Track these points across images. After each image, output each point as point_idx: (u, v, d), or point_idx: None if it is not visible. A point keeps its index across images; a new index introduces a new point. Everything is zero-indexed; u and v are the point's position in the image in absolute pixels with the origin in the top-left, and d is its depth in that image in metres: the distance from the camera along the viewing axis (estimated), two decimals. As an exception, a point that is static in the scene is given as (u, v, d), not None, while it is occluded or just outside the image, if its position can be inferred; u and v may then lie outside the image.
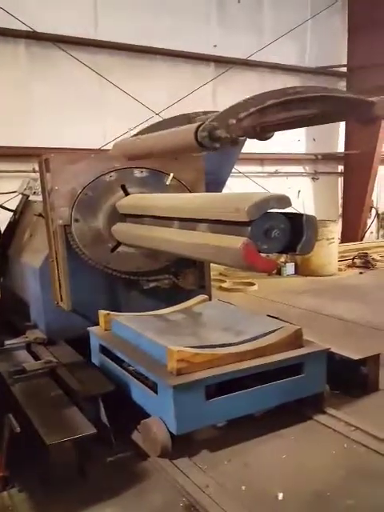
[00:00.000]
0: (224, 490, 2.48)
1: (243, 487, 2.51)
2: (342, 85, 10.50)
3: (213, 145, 2.31)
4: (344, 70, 10.42)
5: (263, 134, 3.80)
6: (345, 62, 10.39)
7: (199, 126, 2.30)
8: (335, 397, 3.31)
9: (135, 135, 3.22)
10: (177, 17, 8.25)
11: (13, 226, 4.50)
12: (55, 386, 2.98)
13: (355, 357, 3.37)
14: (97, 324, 3.49)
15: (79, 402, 2.78)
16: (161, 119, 7.71)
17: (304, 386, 3.06)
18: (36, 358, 3.43)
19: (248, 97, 2.48)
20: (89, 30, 7.59)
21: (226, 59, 8.80)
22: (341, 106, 2.89)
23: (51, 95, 7.35)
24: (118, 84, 7.63)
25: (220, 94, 8.72)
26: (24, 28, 6.95)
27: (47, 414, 2.64)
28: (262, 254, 2.44)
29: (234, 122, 2.37)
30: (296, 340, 3.08)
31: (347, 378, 3.42)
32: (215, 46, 8.74)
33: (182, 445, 2.78)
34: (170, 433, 2.70)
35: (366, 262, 8.23)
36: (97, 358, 3.43)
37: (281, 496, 2.42)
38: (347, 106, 2.91)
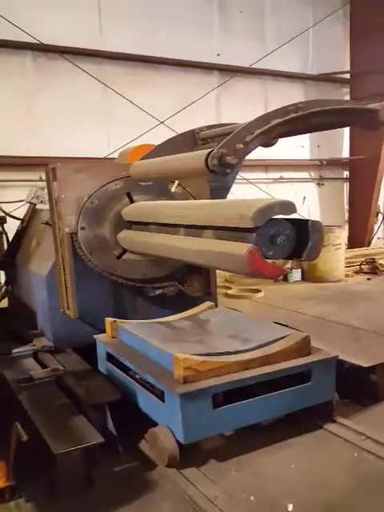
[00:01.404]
0: (233, 500, 2.44)
1: (252, 498, 2.47)
2: (344, 91, 10.52)
3: (224, 171, 2.43)
4: (347, 76, 10.43)
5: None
6: (347, 69, 10.41)
7: (209, 154, 2.41)
8: (345, 405, 3.27)
9: (144, 157, 3.32)
10: (180, 26, 8.32)
11: (20, 234, 4.53)
12: (62, 394, 2.97)
13: (364, 364, 3.33)
14: (103, 331, 3.48)
15: (86, 411, 2.77)
16: (163, 126, 7.79)
17: (312, 394, 3.03)
18: (43, 365, 3.42)
19: (251, 120, 2.55)
20: (94, 40, 7.66)
21: (229, 67, 8.85)
22: (344, 116, 2.91)
23: (57, 105, 7.43)
24: (123, 93, 7.69)
25: (224, 102, 8.76)
26: (30, 40, 7.03)
27: (54, 423, 2.63)
28: (268, 261, 2.43)
29: (242, 146, 2.46)
30: (304, 347, 3.05)
31: (356, 386, 3.38)
32: (219, 54, 8.80)
33: (190, 454, 2.75)
34: (178, 442, 2.68)
35: (373, 268, 8.16)
36: (103, 365, 3.42)
37: (291, 507, 2.38)
38: (350, 115, 2.93)
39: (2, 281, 4.83)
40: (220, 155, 2.39)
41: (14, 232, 4.60)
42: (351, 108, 2.88)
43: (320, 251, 2.53)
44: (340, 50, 10.42)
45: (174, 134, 3.64)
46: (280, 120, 2.60)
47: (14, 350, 3.60)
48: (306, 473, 2.67)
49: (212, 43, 8.81)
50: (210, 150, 2.43)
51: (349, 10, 10.28)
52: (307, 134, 9.32)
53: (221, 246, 2.57)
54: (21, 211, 4.74)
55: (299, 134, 3.98)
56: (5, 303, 4.83)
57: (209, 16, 8.79)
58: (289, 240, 2.45)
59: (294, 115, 2.64)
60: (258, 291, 6.68)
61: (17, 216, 4.66)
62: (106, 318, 3.46)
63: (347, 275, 7.84)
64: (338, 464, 2.73)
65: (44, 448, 2.42)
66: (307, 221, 2.49)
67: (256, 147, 2.61)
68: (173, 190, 3.65)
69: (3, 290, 4.80)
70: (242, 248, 2.34)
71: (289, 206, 2.40)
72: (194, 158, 2.59)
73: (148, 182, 3.61)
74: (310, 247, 2.47)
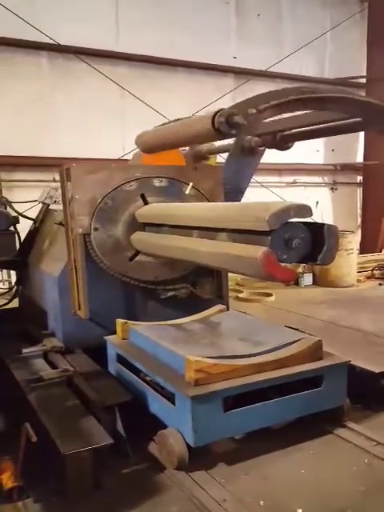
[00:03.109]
0: (242, 504, 2.42)
1: (262, 502, 2.45)
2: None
3: (230, 130, 2.31)
4: (363, 81, 10.37)
5: (283, 144, 3.81)
6: (364, 74, 10.34)
7: (217, 112, 2.30)
8: (355, 410, 3.24)
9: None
10: (197, 29, 8.34)
11: (33, 234, 4.55)
12: (72, 395, 2.96)
13: (376, 369, 3.31)
14: (114, 333, 3.48)
15: (96, 412, 2.76)
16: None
17: (324, 398, 3.00)
18: (53, 366, 3.42)
19: (268, 91, 2.49)
20: (110, 42, 7.72)
21: (245, 70, 8.84)
22: (360, 109, 2.86)
23: (73, 106, 7.48)
24: (139, 95, 7.71)
25: (239, 105, 8.74)
26: (47, 40, 7.08)
27: (63, 424, 2.63)
28: (282, 264, 2.42)
29: (254, 111, 2.38)
30: (315, 352, 3.03)
31: (368, 391, 3.34)
32: (235, 57, 8.80)
33: (199, 457, 2.74)
34: (187, 445, 2.67)
35: (385, 274, 8.09)
36: (114, 367, 3.41)
37: (300, 512, 2.36)
38: (366, 110, 2.88)
39: (14, 280, 4.86)
40: (228, 113, 2.30)
41: (27, 232, 4.62)
42: (369, 102, 2.83)
43: (335, 255, 2.50)
44: (357, 54, 10.37)
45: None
46: (296, 96, 2.55)
47: (25, 350, 3.60)
48: (316, 478, 2.64)
49: (229, 46, 8.82)
50: (219, 109, 2.33)
51: (366, 15, 10.23)
52: (322, 139, 9.29)
53: (235, 248, 2.56)
54: (33, 211, 4.77)
55: (313, 136, 3.95)
56: (16, 303, 4.85)
57: (226, 19, 8.82)
58: (304, 243, 2.42)
59: (310, 95, 2.59)
60: (269, 295, 6.66)
61: (30, 216, 4.69)
62: (117, 320, 3.46)
63: (359, 280, 7.79)
64: (349, 470, 2.70)
65: (53, 448, 2.42)
66: (323, 224, 2.47)
67: (267, 118, 2.52)
68: (187, 192, 3.64)
69: (14, 289, 4.83)
70: (257, 251, 2.32)
71: (304, 210, 2.38)
72: (201, 119, 2.49)
73: (159, 177, 3.57)
74: (325, 251, 2.45)
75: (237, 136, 2.38)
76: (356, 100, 2.82)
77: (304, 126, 3.42)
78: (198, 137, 2.62)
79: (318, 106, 2.75)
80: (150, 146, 3.22)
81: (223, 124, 2.29)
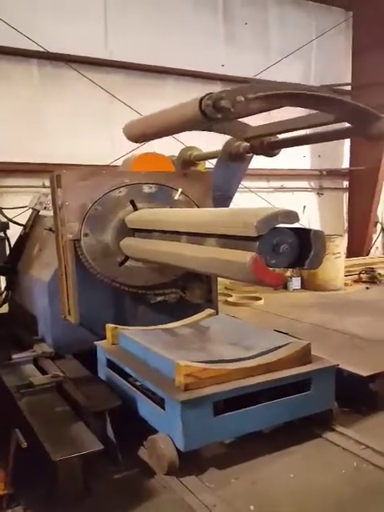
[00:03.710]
0: (232, 509, 2.44)
1: (251, 507, 2.46)
2: (346, 103, 10.60)
3: (215, 115, 2.30)
4: (348, 88, 10.51)
5: (270, 150, 3.86)
6: (349, 81, 10.49)
7: (204, 97, 2.31)
8: (344, 414, 3.26)
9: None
10: (185, 37, 8.40)
11: (22, 240, 4.54)
12: (62, 401, 2.97)
13: (364, 373, 3.33)
14: (104, 338, 3.48)
15: (86, 418, 2.76)
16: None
17: (312, 402, 3.03)
18: (43, 372, 3.42)
19: (261, 83, 2.50)
20: (100, 49, 7.74)
21: (232, 78, 8.91)
22: (348, 113, 2.90)
23: (62, 113, 7.49)
24: (128, 102, 7.74)
25: (226, 111, 8.81)
26: (37, 48, 7.10)
27: (53, 429, 2.62)
28: (270, 269, 2.45)
29: (242, 99, 2.37)
30: (304, 356, 3.06)
31: (356, 395, 3.38)
32: (223, 65, 8.87)
33: (189, 462, 2.75)
34: (178, 450, 2.67)
35: (372, 277, 8.18)
36: (104, 372, 3.41)
37: (290, 516, 2.38)
38: (354, 114, 2.92)
39: (3, 286, 4.84)
40: (216, 97, 2.29)
41: (17, 238, 4.61)
42: (357, 106, 2.86)
43: (322, 260, 2.54)
44: (342, 62, 10.51)
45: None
46: (285, 91, 2.56)
47: (14, 356, 3.59)
48: (306, 482, 2.67)
49: (217, 54, 8.89)
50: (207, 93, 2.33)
51: (351, 24, 10.40)
52: (308, 145, 9.39)
53: (224, 253, 2.58)
54: (23, 217, 4.76)
55: (300, 143, 4.01)
56: (5, 308, 4.83)
57: (214, 27, 8.89)
58: (291, 248, 2.46)
59: (300, 91, 2.61)
60: (258, 299, 6.69)
61: (19, 222, 4.67)
62: (107, 325, 3.46)
63: (346, 284, 7.86)
64: (338, 473, 2.73)
65: (43, 454, 2.42)
66: (310, 230, 2.51)
67: (255, 111, 2.49)
68: (176, 197, 3.67)
69: (4, 295, 4.81)
70: (245, 256, 2.35)
71: (292, 215, 2.42)
72: (188, 104, 2.48)
73: (149, 183, 3.59)
74: (312, 256, 2.49)
75: (223, 121, 2.35)
76: (345, 102, 2.85)
77: (290, 131, 3.46)
78: (185, 122, 2.59)
79: (307, 104, 2.76)
80: (137, 134, 3.19)
81: (210, 107, 2.28)
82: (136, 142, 3.36)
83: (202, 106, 2.30)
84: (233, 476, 2.72)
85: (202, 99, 2.31)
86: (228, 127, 3.73)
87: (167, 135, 3.16)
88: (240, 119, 3.64)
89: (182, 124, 2.67)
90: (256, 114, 2.53)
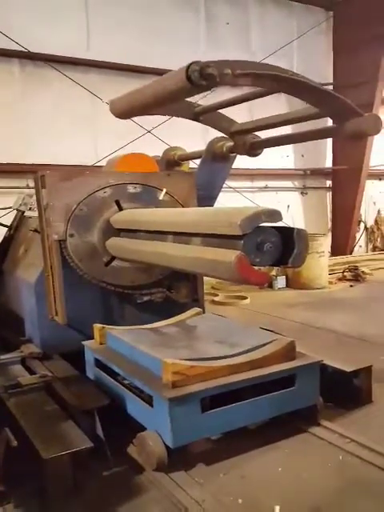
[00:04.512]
0: (221, 504, 2.47)
1: (240, 501, 2.50)
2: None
3: (200, 81, 2.32)
4: (330, 87, 10.65)
5: (253, 150, 3.92)
6: (331, 81, 10.63)
7: (190, 64, 2.33)
8: (329, 409, 3.33)
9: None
10: (167, 37, 8.43)
11: (8, 241, 4.53)
12: (51, 400, 2.98)
13: (348, 369, 3.40)
14: (92, 338, 3.50)
15: (75, 416, 2.78)
16: (150, 134, 7.84)
17: (297, 398, 3.08)
18: (31, 372, 3.42)
19: (249, 60, 2.54)
20: (81, 49, 7.73)
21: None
22: (330, 105, 2.94)
23: (45, 113, 7.46)
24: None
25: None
26: (18, 48, 7.06)
27: (43, 428, 2.64)
28: (255, 267, 2.49)
29: (229, 72, 2.40)
30: (289, 352, 3.11)
31: (340, 390, 3.43)
32: (205, 64, 8.92)
33: (178, 458, 2.78)
34: (166, 446, 2.71)
35: (356, 276, 8.33)
36: (92, 371, 3.43)
37: (278, 510, 2.41)
38: (336, 108, 2.96)
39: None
40: (203, 64, 2.31)
41: (2, 239, 4.59)
42: (341, 99, 2.90)
43: (305, 258, 2.59)
44: (323, 62, 10.65)
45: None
46: (274, 72, 2.59)
47: (2, 357, 3.59)
48: (293, 476, 2.71)
49: (198, 54, 8.92)
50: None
51: (332, 24, 10.54)
52: (291, 145, 9.49)
53: (209, 253, 2.62)
54: (8, 218, 4.74)
55: (283, 142, 4.07)
56: (-9, 310, 4.80)
57: (195, 27, 8.93)
58: (275, 247, 2.51)
59: (287, 75, 2.64)
60: (244, 298, 6.76)
61: (4, 223, 4.66)
62: (95, 325, 3.48)
63: (330, 282, 7.99)
64: (324, 467, 2.78)
65: (33, 453, 2.43)
66: (293, 229, 2.56)
67: (239, 84, 2.54)
68: (161, 197, 3.70)
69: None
70: (230, 255, 2.39)
71: (275, 214, 2.46)
72: (175, 73, 2.49)
73: (133, 184, 3.63)
74: (295, 254, 2.54)
75: (207, 89, 2.37)
76: (330, 94, 2.89)
77: (275, 126, 3.51)
78: (172, 93, 2.59)
79: (291, 90, 2.79)
80: (124, 110, 3.16)
81: (196, 73, 2.30)
82: (123, 118, 3.31)
83: (188, 71, 2.31)
84: (221, 471, 2.76)
85: (189, 66, 2.33)
86: (214, 120, 3.80)
87: (155, 108, 3.10)
88: (223, 112, 3.72)
89: (168, 94, 2.66)
90: (239, 86, 2.55)
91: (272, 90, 2.92)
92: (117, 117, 3.24)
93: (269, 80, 2.62)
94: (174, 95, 2.64)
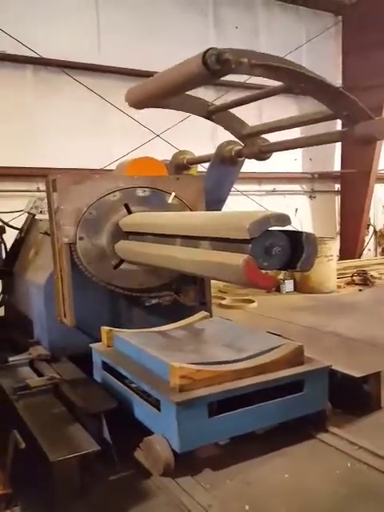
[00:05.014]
0: (227, 509, 2.46)
1: (247, 507, 2.48)
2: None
3: (215, 66, 2.35)
4: (340, 91, 10.64)
5: (262, 154, 3.92)
6: (340, 84, 10.60)
7: (207, 51, 2.36)
8: (338, 415, 3.29)
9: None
10: (176, 41, 8.47)
11: (18, 243, 4.56)
12: (58, 403, 2.99)
13: (357, 374, 3.36)
14: (99, 340, 3.51)
15: (82, 419, 2.79)
16: (159, 139, 7.86)
17: (305, 403, 3.06)
18: (39, 374, 3.44)
19: (266, 53, 2.57)
20: (93, 55, 7.81)
21: (224, 82, 8.97)
22: (342, 105, 2.94)
23: (57, 118, 7.56)
24: (121, 107, 7.78)
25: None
26: (31, 54, 7.16)
27: (50, 431, 2.65)
28: (263, 271, 2.48)
29: (246, 61, 2.43)
30: (297, 357, 3.09)
31: (349, 396, 3.40)
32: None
33: (185, 463, 2.77)
34: (173, 451, 2.70)
35: (364, 280, 8.27)
36: (99, 374, 3.43)
37: (284, 516, 2.40)
38: (347, 107, 2.95)
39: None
40: (220, 51, 2.34)
41: (13, 241, 4.63)
42: (353, 100, 2.91)
43: (314, 262, 2.57)
44: (331, 66, 10.63)
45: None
46: (290, 66, 2.62)
47: (10, 359, 3.61)
48: (300, 482, 2.69)
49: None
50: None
51: (340, 28, 10.53)
52: (300, 149, 9.47)
53: (217, 256, 2.61)
54: (19, 221, 4.78)
55: (292, 146, 4.07)
56: (1, 312, 4.84)
57: (204, 32, 8.97)
58: (284, 251, 2.49)
59: (303, 71, 2.66)
60: (251, 302, 6.74)
61: (15, 226, 4.70)
62: (102, 327, 3.49)
63: (339, 286, 7.94)
64: (332, 474, 2.75)
65: (41, 455, 2.44)
66: (301, 232, 2.55)
67: (253, 75, 2.57)
68: (169, 201, 3.71)
69: (0, 298, 4.82)
70: (238, 258, 2.38)
71: (283, 218, 2.45)
72: (192, 59, 2.51)
73: (143, 187, 3.64)
74: (304, 258, 2.52)
75: (223, 74, 2.39)
76: (343, 94, 2.88)
77: (286, 128, 3.52)
78: (188, 78, 2.61)
79: (306, 87, 2.79)
80: (141, 99, 3.17)
81: (213, 57, 2.33)
82: (140, 107, 3.30)
83: (205, 56, 2.34)
84: (228, 477, 2.74)
85: (207, 51, 2.36)
86: (226, 120, 3.82)
87: (172, 96, 3.14)
88: (233, 112, 3.71)
89: (184, 81, 2.67)
90: (253, 76, 2.58)
91: (285, 84, 2.91)
92: (132, 107, 3.23)
93: (283, 74, 2.63)
94: (191, 80, 2.64)
